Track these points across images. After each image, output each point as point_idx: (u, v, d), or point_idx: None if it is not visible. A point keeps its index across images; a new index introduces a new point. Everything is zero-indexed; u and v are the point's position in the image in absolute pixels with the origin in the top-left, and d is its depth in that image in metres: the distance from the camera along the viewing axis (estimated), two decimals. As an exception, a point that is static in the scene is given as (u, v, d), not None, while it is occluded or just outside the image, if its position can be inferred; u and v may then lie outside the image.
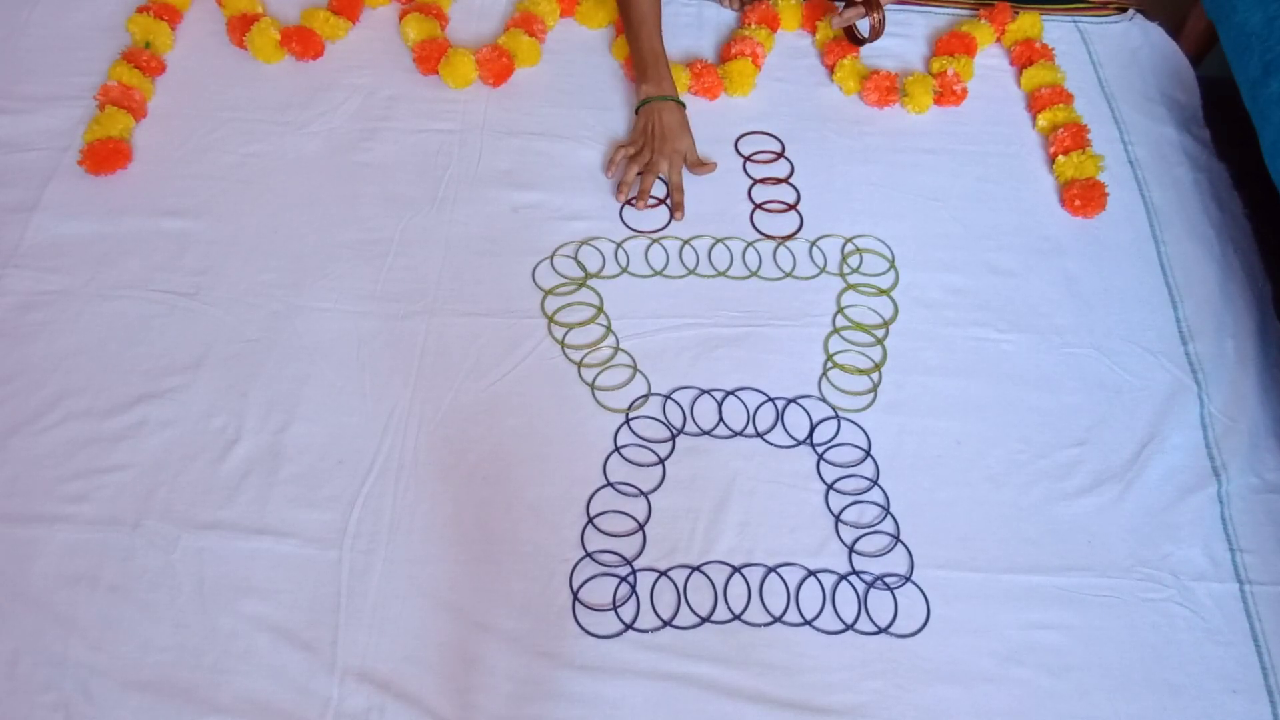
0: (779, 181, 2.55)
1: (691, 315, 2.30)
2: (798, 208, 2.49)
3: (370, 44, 2.79)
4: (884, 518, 2.04)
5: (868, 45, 2.76)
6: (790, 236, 2.44)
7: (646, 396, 2.18)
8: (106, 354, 2.18)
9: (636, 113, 2.55)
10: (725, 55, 2.76)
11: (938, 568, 1.98)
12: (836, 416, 2.16)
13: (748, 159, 2.59)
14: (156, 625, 1.86)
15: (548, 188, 2.50)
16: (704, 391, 2.19)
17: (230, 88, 2.68)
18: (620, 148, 2.52)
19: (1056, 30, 2.92)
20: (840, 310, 2.32)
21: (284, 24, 2.74)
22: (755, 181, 2.55)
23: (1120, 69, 2.85)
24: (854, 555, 1.99)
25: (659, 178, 2.50)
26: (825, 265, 2.40)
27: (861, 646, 1.90)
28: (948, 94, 2.70)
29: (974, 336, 2.28)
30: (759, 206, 2.49)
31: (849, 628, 1.91)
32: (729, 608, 1.92)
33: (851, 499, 2.06)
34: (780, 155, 2.60)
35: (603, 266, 2.37)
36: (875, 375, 2.22)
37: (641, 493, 2.05)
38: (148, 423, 2.09)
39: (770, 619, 1.91)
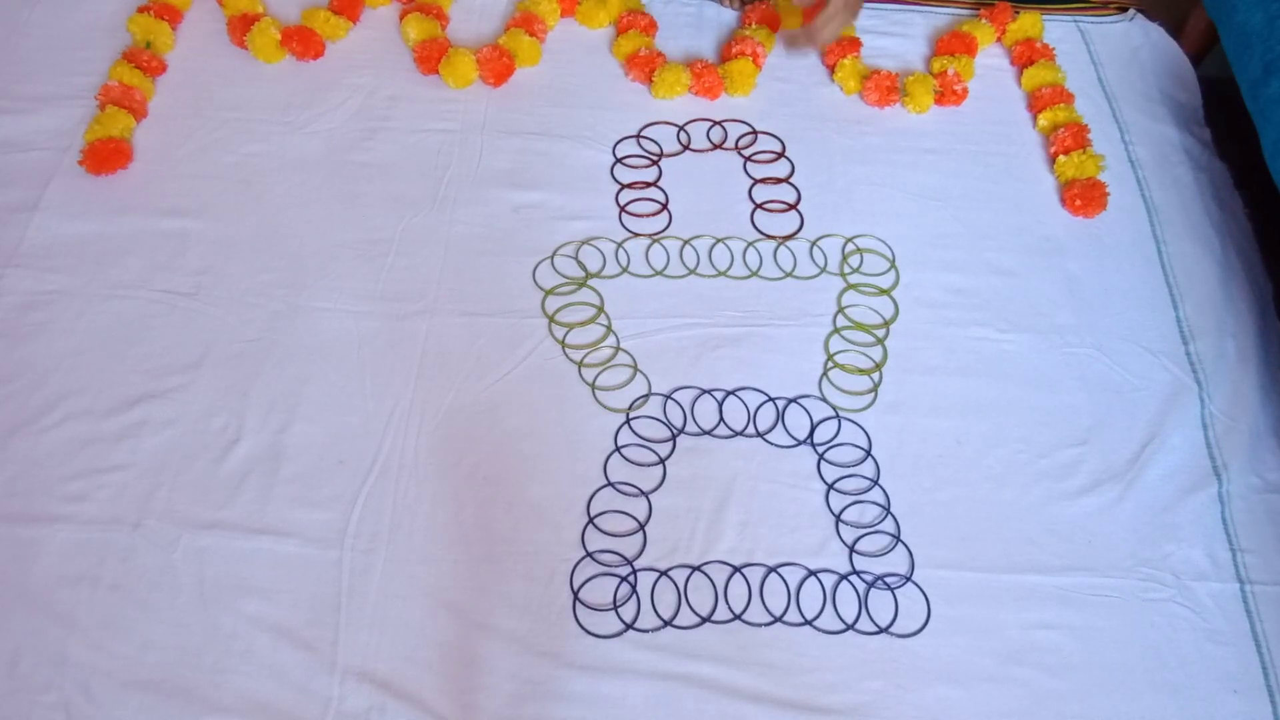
0: (779, 181, 2.55)
1: (692, 315, 2.30)
2: (798, 207, 2.49)
3: (371, 44, 2.79)
4: (884, 518, 2.04)
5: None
6: (790, 236, 2.44)
7: (647, 396, 2.18)
8: (107, 354, 2.18)
9: None
10: (726, 55, 2.76)
11: (938, 568, 1.98)
12: (837, 416, 2.16)
13: (748, 159, 2.59)
14: (157, 625, 1.86)
15: (548, 188, 2.50)
16: (704, 391, 2.19)
17: (231, 87, 2.68)
18: None
19: (1057, 30, 2.93)
20: (841, 310, 2.32)
21: (284, 24, 2.74)
22: (755, 181, 2.55)
23: (1121, 69, 2.85)
24: (854, 555, 1.99)
25: None
26: (826, 265, 2.40)
27: (862, 646, 1.90)
28: (948, 94, 2.70)
29: (974, 336, 2.29)
30: (759, 206, 2.49)
31: (849, 628, 1.91)
32: (729, 608, 1.92)
33: (852, 499, 2.06)
34: (781, 155, 2.60)
35: (603, 266, 2.37)
36: (876, 375, 2.22)
37: (642, 492, 2.05)
38: (148, 422, 2.09)
39: (771, 619, 1.91)
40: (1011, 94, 2.79)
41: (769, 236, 2.44)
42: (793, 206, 2.50)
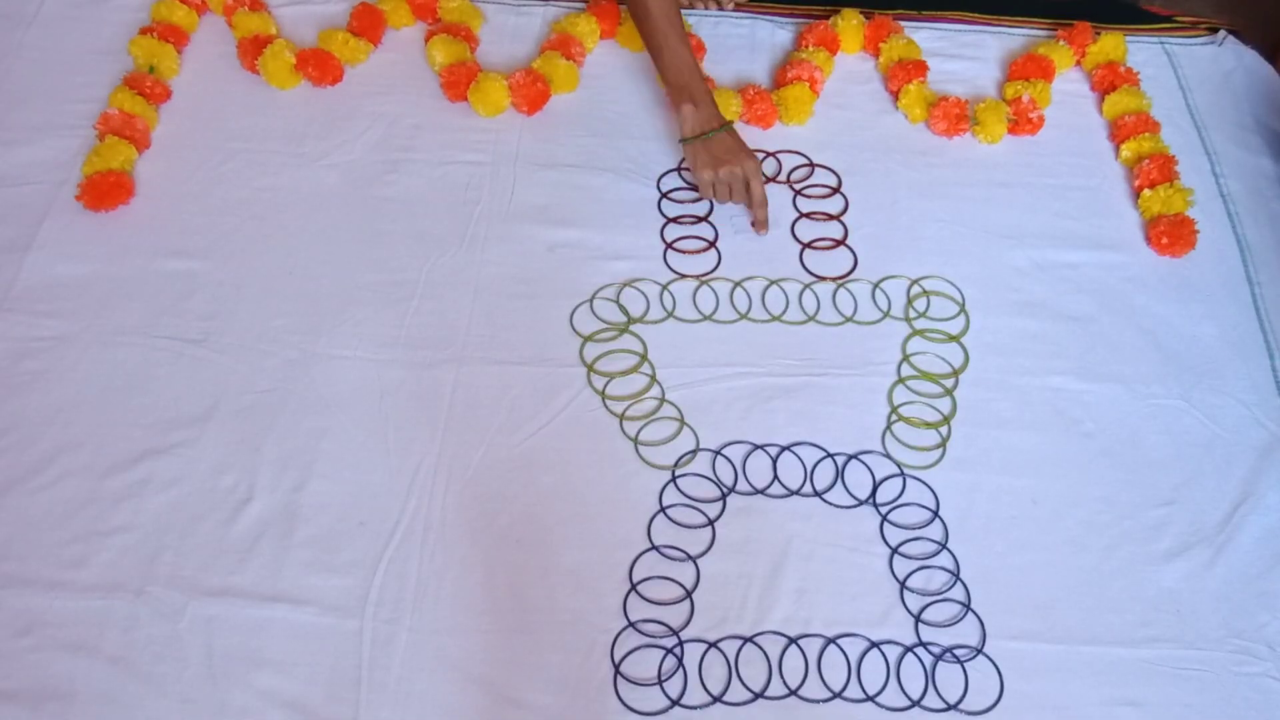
0: (830, 218, 2.57)
1: (743, 364, 2.31)
2: (847, 243, 2.52)
3: (393, 68, 2.83)
4: (953, 584, 2.04)
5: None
6: (847, 276, 2.46)
7: (694, 452, 2.19)
8: (107, 406, 2.20)
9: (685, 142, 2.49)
10: (780, 80, 2.78)
11: (1012, 639, 1.98)
12: (901, 474, 2.17)
13: (798, 193, 2.62)
14: (162, 700, 1.87)
15: (587, 225, 2.52)
16: (757, 447, 2.20)
17: (241, 116, 2.71)
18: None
19: (1142, 53, 2.93)
20: (906, 358, 2.33)
21: (299, 46, 2.78)
22: (801, 215, 2.57)
23: (1212, 95, 2.85)
24: (921, 625, 1.99)
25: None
26: (889, 309, 2.41)
27: (929, 725, 1.91)
28: (1023, 122, 2.71)
29: (1051, 387, 2.29)
30: (808, 245, 2.52)
31: (915, 704, 1.91)
32: (784, 682, 1.92)
33: (918, 564, 2.06)
34: (836, 191, 2.62)
35: (647, 311, 2.39)
36: (944, 429, 2.23)
37: (689, 557, 2.06)
38: (152, 481, 2.11)
39: (829, 694, 1.92)
40: (1092, 122, 2.80)
41: (827, 278, 2.46)
42: (840, 242, 2.52)
